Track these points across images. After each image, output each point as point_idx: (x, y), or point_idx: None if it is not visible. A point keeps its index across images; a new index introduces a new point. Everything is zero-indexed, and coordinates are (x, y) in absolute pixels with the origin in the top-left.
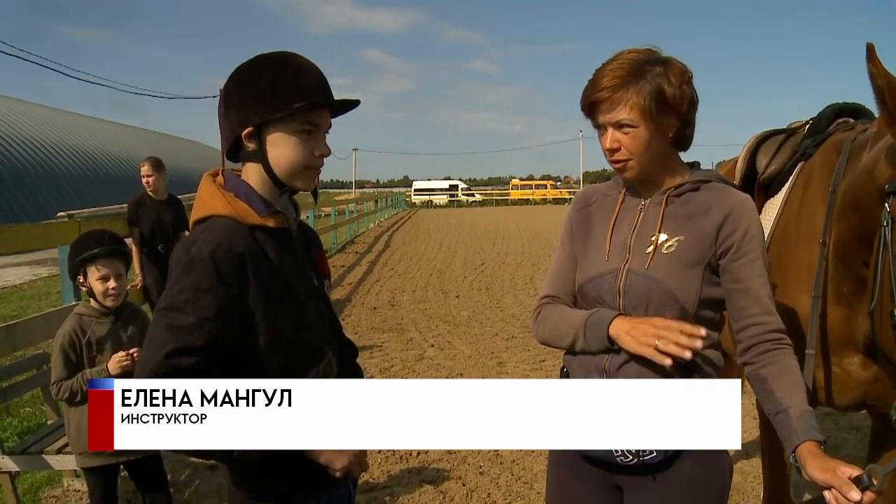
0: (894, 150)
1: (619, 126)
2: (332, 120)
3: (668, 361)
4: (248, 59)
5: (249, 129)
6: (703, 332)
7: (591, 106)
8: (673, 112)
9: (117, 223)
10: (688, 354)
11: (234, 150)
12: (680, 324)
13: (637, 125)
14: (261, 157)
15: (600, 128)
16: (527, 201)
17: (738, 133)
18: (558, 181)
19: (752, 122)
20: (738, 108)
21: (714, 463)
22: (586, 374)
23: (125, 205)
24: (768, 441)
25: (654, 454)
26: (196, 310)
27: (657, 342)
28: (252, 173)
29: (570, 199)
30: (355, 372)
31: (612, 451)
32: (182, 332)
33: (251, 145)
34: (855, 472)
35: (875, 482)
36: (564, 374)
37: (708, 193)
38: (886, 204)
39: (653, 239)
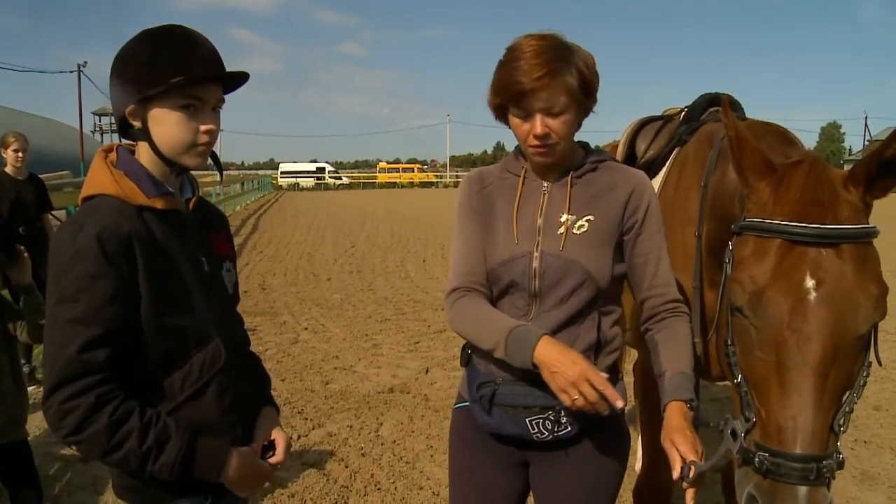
0: (743, 194)
1: (550, 112)
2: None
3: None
4: (135, 35)
5: (131, 106)
6: (620, 403)
7: (523, 93)
8: (590, 95)
9: None
10: (598, 409)
11: (125, 129)
12: (602, 381)
13: (567, 110)
14: (146, 135)
15: (524, 115)
16: (394, 185)
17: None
18: (425, 165)
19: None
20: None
21: (618, 437)
22: (486, 364)
23: None
24: (647, 413)
25: (569, 429)
26: (91, 298)
27: (575, 398)
28: (143, 152)
29: (437, 182)
30: (250, 359)
31: (528, 429)
32: (83, 323)
33: (136, 123)
34: (685, 449)
35: (691, 475)
36: (467, 357)
37: (608, 173)
38: (730, 242)
39: (562, 220)
